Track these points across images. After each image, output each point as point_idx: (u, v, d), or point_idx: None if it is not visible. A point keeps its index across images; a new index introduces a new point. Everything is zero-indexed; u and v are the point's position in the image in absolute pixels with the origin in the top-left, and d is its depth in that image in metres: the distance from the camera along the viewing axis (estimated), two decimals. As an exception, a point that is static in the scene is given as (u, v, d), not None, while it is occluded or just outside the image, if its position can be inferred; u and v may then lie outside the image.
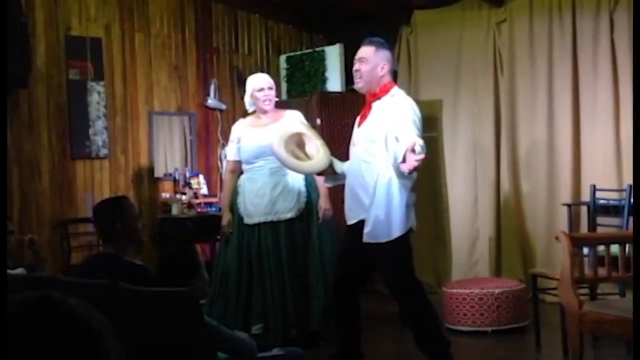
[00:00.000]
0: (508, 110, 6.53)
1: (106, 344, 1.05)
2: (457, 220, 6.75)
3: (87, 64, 6.26)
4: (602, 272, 3.88)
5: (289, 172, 4.90)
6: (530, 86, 6.40)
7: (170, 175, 6.78)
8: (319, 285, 4.82)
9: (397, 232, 3.78)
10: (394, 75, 4.07)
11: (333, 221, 4.95)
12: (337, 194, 5.37)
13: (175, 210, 6.55)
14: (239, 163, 5.06)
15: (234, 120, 5.72)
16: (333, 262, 4.57)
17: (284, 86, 7.38)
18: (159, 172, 6.73)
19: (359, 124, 4.00)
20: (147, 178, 6.65)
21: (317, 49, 7.34)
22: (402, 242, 3.83)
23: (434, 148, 6.50)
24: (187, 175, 6.75)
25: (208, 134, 7.10)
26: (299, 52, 7.46)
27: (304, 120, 5.05)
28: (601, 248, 3.98)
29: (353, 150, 4.01)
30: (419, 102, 4.08)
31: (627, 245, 3.85)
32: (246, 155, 4.97)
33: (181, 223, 6.45)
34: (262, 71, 6.04)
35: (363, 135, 3.92)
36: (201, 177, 6.81)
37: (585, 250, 4.15)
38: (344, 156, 4.12)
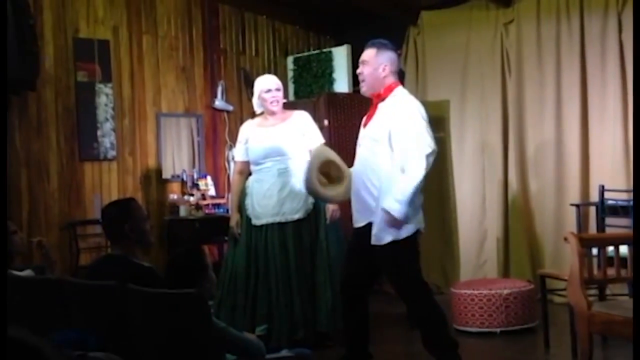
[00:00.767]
0: (516, 110, 6.51)
1: None
2: (465, 221, 6.74)
3: (95, 66, 6.28)
4: (611, 272, 3.86)
5: (297, 173, 4.90)
6: (538, 86, 6.38)
7: (178, 176, 6.79)
8: (326, 286, 4.81)
9: (403, 233, 3.78)
10: (400, 75, 4.07)
11: (340, 222, 4.95)
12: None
13: (183, 212, 6.56)
14: (247, 164, 5.06)
15: (242, 122, 5.73)
16: (340, 263, 4.57)
17: (291, 87, 7.38)
18: (166, 174, 6.75)
19: (365, 124, 4.01)
20: (154, 179, 6.67)
21: (325, 50, 7.34)
22: (409, 244, 3.82)
23: (441, 149, 6.46)
24: (195, 176, 6.76)
25: (215, 136, 7.11)
26: (306, 53, 7.46)
27: (312, 121, 5.06)
28: (610, 249, 3.97)
29: (359, 151, 4.02)
30: (426, 103, 4.10)
31: (636, 246, 3.83)
32: (254, 156, 4.97)
33: (189, 224, 6.46)
34: (270, 72, 6.06)
35: (367, 136, 3.93)
36: (209, 178, 6.83)
37: (594, 251, 4.14)
38: (352, 157, 4.11)
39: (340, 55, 7.17)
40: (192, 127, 7.01)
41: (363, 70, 3.94)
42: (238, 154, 5.14)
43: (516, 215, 6.50)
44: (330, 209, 4.88)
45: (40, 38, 5.87)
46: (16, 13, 5.30)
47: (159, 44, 6.77)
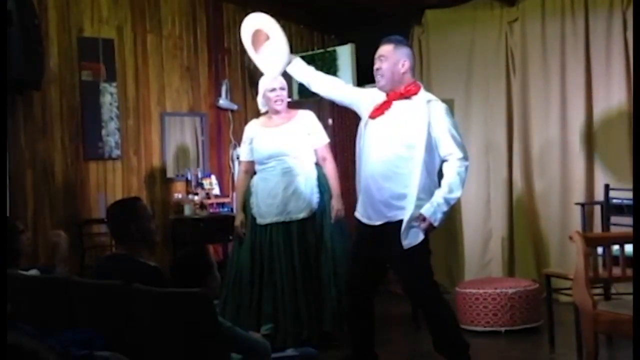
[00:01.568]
0: (520, 109, 6.50)
1: None
2: (470, 220, 6.73)
3: (99, 65, 6.29)
4: (616, 271, 3.85)
5: (302, 172, 4.90)
6: (542, 85, 6.37)
7: (183, 176, 6.80)
8: (331, 286, 4.81)
9: (424, 233, 3.77)
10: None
11: (345, 221, 4.95)
12: (350, 195, 5.37)
13: (187, 211, 6.57)
14: (252, 163, 5.06)
15: (246, 121, 5.73)
16: (345, 262, 4.56)
17: (295, 86, 7.37)
18: (171, 173, 6.76)
19: (374, 116, 3.90)
20: (159, 179, 6.67)
21: (329, 49, 7.33)
22: (426, 245, 3.81)
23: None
24: (199, 175, 6.77)
25: (220, 135, 7.12)
26: (310, 52, 7.45)
27: (317, 121, 5.05)
28: (615, 247, 3.96)
29: (372, 145, 3.87)
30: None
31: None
32: (259, 156, 4.97)
33: (193, 224, 6.46)
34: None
35: (393, 137, 3.80)
36: (213, 177, 6.83)
37: (600, 250, 4.13)
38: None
39: (345, 54, 7.16)
40: (197, 127, 7.02)
41: (381, 65, 3.87)
42: (243, 153, 5.14)
43: (521, 214, 6.49)
44: (335, 208, 4.88)
45: (45, 38, 5.88)
46: (21, 13, 5.31)
47: (164, 44, 6.77)
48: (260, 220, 4.92)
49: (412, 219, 3.72)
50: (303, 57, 7.32)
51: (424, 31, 7.03)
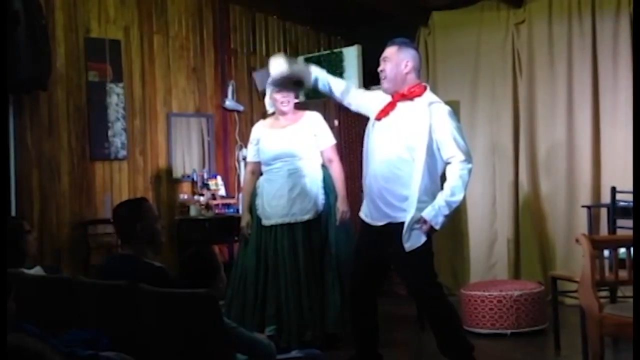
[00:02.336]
0: (527, 111, 6.49)
1: None
2: (475, 222, 6.72)
3: (106, 65, 6.30)
4: (622, 274, 3.84)
5: (308, 173, 4.90)
6: (549, 87, 6.36)
7: (189, 176, 6.80)
8: (335, 287, 4.81)
9: (425, 235, 3.76)
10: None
11: (350, 223, 4.94)
12: (356, 196, 5.37)
13: (193, 212, 6.57)
14: (258, 164, 5.07)
15: (252, 122, 5.73)
16: (349, 264, 4.55)
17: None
18: (177, 174, 6.76)
19: (379, 117, 3.90)
20: (165, 179, 6.68)
21: (335, 50, 7.33)
22: (428, 247, 3.80)
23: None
24: (205, 176, 6.78)
25: (226, 136, 7.12)
26: (316, 54, 7.46)
27: (323, 122, 5.05)
28: (622, 250, 3.94)
29: (377, 146, 3.88)
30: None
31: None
32: (265, 157, 4.98)
33: (199, 224, 6.47)
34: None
35: (395, 138, 3.80)
36: (219, 178, 6.84)
37: (606, 253, 4.12)
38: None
39: (351, 55, 7.15)
40: (203, 127, 7.03)
41: (385, 67, 3.87)
42: (249, 154, 5.15)
43: (527, 216, 6.48)
44: (341, 210, 4.87)
45: (52, 38, 5.90)
46: (28, 13, 5.33)
47: (170, 44, 6.79)
48: (265, 222, 4.92)
49: (414, 221, 3.72)
50: (309, 59, 7.42)
51: (431, 33, 7.02)
